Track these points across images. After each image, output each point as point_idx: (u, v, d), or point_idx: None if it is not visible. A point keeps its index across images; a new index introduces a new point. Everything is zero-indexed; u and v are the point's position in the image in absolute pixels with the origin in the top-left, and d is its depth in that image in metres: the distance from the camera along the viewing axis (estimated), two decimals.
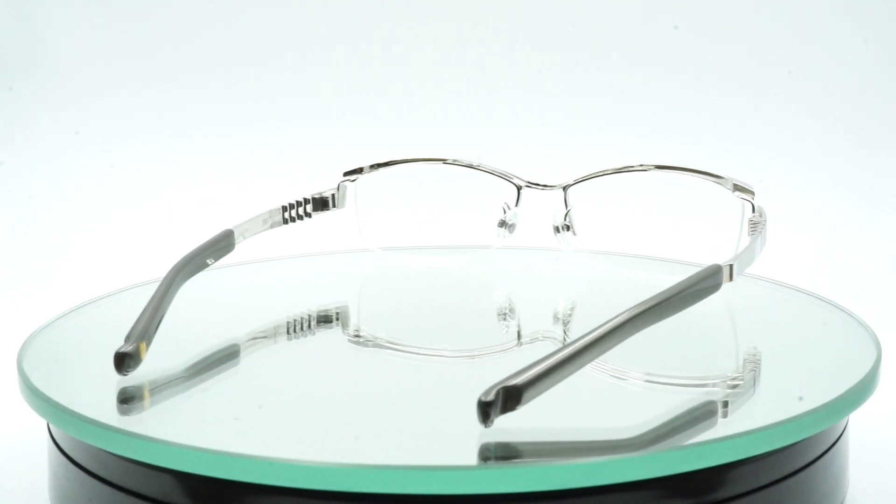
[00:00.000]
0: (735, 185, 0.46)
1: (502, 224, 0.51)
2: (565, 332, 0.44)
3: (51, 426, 0.40)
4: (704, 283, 0.40)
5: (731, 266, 0.40)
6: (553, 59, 0.79)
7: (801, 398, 0.38)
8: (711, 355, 0.43)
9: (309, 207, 0.53)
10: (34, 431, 0.45)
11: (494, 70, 0.79)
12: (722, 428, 0.36)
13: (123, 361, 0.40)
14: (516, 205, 0.50)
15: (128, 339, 0.41)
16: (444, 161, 0.52)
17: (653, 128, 0.77)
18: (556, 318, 0.47)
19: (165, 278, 0.45)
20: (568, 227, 0.49)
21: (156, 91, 0.79)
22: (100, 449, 0.36)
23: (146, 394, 0.40)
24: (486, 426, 0.33)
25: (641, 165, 0.47)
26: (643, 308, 0.37)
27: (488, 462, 0.34)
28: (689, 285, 0.39)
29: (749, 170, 0.75)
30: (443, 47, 0.79)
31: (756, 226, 0.44)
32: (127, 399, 0.40)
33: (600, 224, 0.49)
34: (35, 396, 0.38)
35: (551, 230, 0.50)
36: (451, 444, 0.35)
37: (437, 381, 0.41)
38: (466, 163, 0.51)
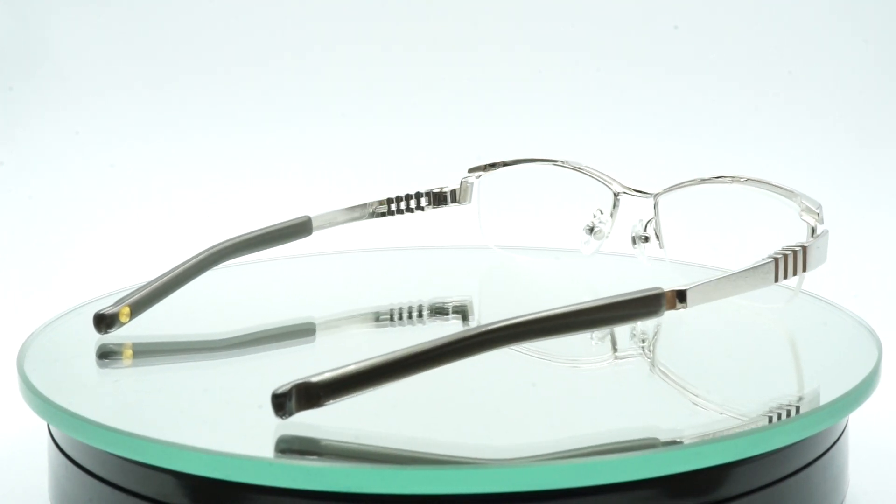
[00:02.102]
0: (802, 207, 0.43)
1: (590, 230, 0.50)
2: (644, 350, 0.43)
3: (51, 426, 0.40)
4: (632, 308, 0.37)
5: (676, 293, 0.38)
6: (553, 59, 0.79)
7: (801, 398, 0.38)
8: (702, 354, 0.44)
9: (423, 201, 0.53)
10: (34, 432, 0.45)
11: (493, 70, 0.79)
12: (721, 428, 0.36)
13: (101, 322, 0.42)
14: (612, 211, 0.49)
15: (119, 301, 0.43)
16: (553, 162, 0.51)
17: (653, 128, 0.77)
18: (632, 334, 0.45)
19: (200, 253, 0.46)
20: (646, 239, 0.48)
21: (156, 91, 0.79)
22: (100, 449, 0.36)
23: (128, 352, 0.42)
24: (282, 419, 0.34)
25: (732, 177, 0.46)
26: (506, 324, 0.36)
27: (284, 454, 0.34)
28: (609, 305, 0.37)
29: (749, 170, 0.75)
30: (442, 47, 0.79)
31: (783, 251, 0.41)
32: (107, 354, 0.41)
33: (681, 233, 0.48)
34: (35, 397, 0.38)
35: (629, 240, 0.48)
36: (456, 444, 0.36)
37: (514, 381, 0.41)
38: (573, 165, 0.50)
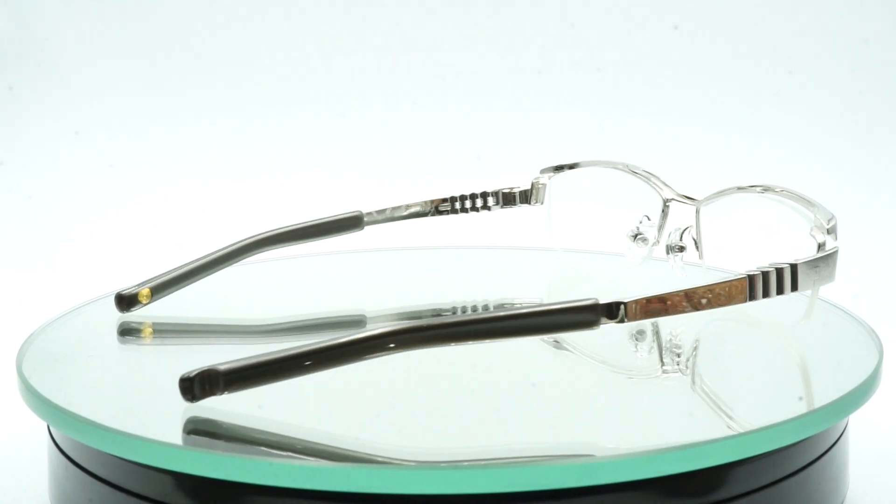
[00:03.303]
0: (815, 222, 0.41)
1: (634, 237, 0.49)
2: (678, 364, 0.42)
3: (50, 427, 0.40)
4: (562, 318, 0.36)
5: (609, 305, 0.36)
6: (553, 59, 0.79)
7: (801, 398, 0.38)
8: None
9: (490, 200, 0.52)
10: (34, 432, 0.45)
11: (492, 70, 0.79)
12: (721, 428, 0.36)
13: (121, 302, 0.44)
14: (662, 218, 0.47)
15: (145, 282, 0.44)
16: (614, 165, 0.50)
17: (652, 128, 0.77)
18: (667, 347, 0.44)
19: (238, 241, 0.47)
20: (682, 248, 0.46)
21: (156, 91, 0.79)
22: (100, 449, 0.36)
23: (148, 330, 0.43)
24: (190, 402, 0.35)
25: (764, 187, 0.44)
26: (413, 326, 0.35)
27: (191, 436, 0.35)
28: (534, 314, 0.36)
29: (749, 169, 0.75)
30: (440, 46, 0.79)
31: (764, 268, 0.38)
32: (128, 331, 0.43)
33: (718, 243, 0.46)
34: (35, 398, 0.38)
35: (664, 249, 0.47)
36: (461, 446, 0.36)
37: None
38: (632, 168, 0.49)
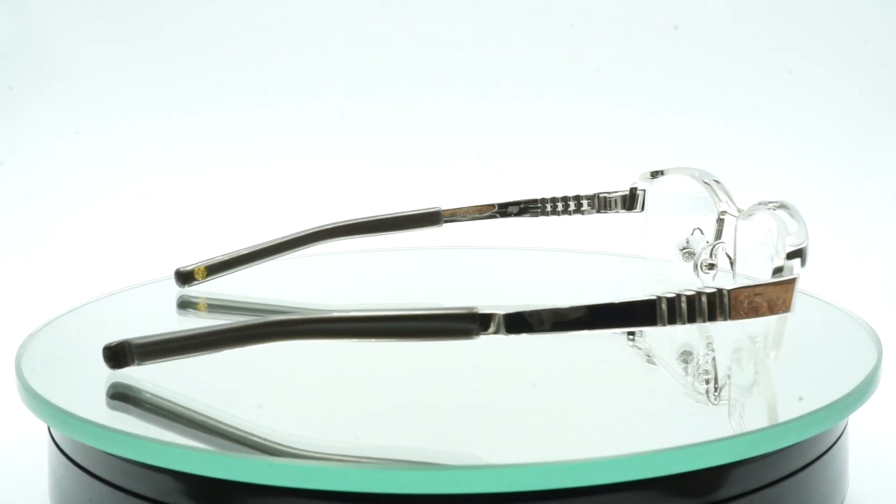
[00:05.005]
0: (783, 247, 0.38)
1: (683, 249, 0.47)
2: (707, 389, 0.41)
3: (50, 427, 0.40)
4: (434, 324, 0.34)
5: (486, 316, 0.34)
6: (553, 59, 0.79)
7: (801, 398, 0.38)
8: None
9: (585, 203, 0.50)
10: (34, 431, 0.45)
11: (491, 70, 0.79)
12: (721, 428, 0.36)
13: (178, 276, 0.47)
14: (716, 231, 0.45)
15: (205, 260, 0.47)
16: (690, 173, 0.48)
17: (652, 128, 0.77)
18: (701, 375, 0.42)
19: (309, 229, 0.48)
20: (712, 266, 0.45)
21: (156, 91, 0.79)
22: (100, 449, 0.36)
23: (203, 304, 0.46)
24: (111, 369, 0.38)
25: (780, 203, 0.41)
26: (316, 318, 0.35)
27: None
28: (403, 318, 0.35)
29: (749, 169, 0.75)
30: (440, 46, 0.80)
31: (682, 292, 0.35)
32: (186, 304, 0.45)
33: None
34: (34, 399, 0.38)
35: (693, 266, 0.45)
36: (461, 447, 0.36)
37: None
38: (700, 175, 0.47)
